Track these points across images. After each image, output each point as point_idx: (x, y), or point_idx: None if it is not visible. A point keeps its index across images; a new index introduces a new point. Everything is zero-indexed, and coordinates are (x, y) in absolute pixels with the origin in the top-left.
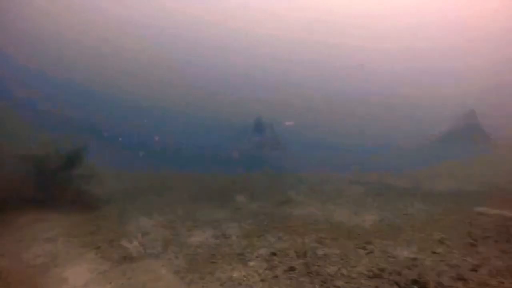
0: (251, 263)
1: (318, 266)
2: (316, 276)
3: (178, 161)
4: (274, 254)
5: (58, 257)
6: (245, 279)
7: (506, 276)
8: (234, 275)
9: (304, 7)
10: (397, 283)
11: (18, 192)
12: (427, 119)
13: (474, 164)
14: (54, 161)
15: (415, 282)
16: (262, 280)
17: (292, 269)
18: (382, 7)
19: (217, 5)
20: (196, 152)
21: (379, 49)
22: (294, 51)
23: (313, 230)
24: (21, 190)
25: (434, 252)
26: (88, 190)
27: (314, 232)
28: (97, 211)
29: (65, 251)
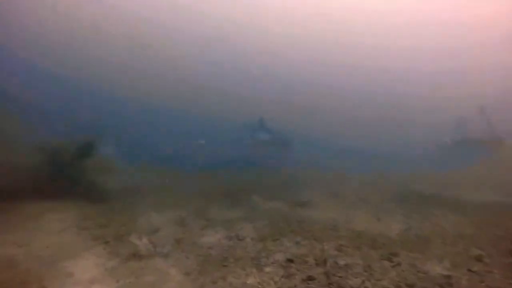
0: (267, 269)
1: (340, 277)
2: None
3: (188, 160)
4: (291, 260)
5: (66, 249)
6: (260, 286)
7: None
8: (248, 281)
9: (308, 4)
10: None
11: (33, 181)
12: (436, 121)
13: (498, 170)
14: (67, 151)
15: None
16: None
17: (311, 278)
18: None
19: (222, 1)
20: (204, 151)
21: (380, 47)
22: (298, 49)
23: (333, 236)
24: (35, 180)
25: (470, 270)
26: (100, 182)
27: (334, 239)
28: (108, 204)
29: (74, 244)
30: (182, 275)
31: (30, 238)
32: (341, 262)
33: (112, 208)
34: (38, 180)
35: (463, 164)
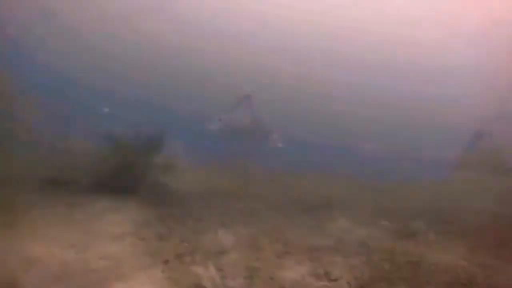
0: None
1: None
2: None
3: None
4: None
5: (121, 265)
6: None
7: None
8: None
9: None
10: None
11: (97, 175)
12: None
13: None
14: (134, 146)
15: None
16: None
17: None
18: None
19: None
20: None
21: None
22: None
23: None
24: (100, 174)
25: None
26: (163, 183)
27: None
28: (171, 209)
29: (130, 259)
30: None
31: (87, 243)
32: None
33: (174, 215)
34: (102, 175)
35: None
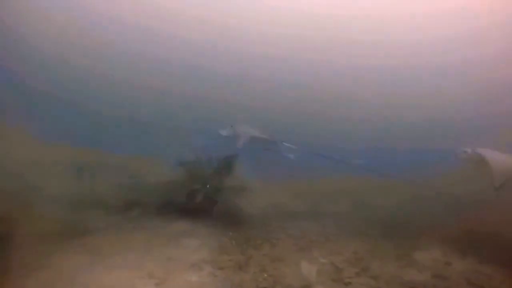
0: None
1: None
2: None
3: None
4: None
5: None
6: None
7: None
8: None
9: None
10: None
11: (172, 198)
12: None
13: None
14: (206, 168)
15: None
16: None
17: None
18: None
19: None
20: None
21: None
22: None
23: None
24: (175, 197)
25: None
26: (236, 205)
27: None
28: (245, 233)
29: None
30: None
31: (166, 272)
32: None
33: (250, 240)
34: (175, 198)
35: None
